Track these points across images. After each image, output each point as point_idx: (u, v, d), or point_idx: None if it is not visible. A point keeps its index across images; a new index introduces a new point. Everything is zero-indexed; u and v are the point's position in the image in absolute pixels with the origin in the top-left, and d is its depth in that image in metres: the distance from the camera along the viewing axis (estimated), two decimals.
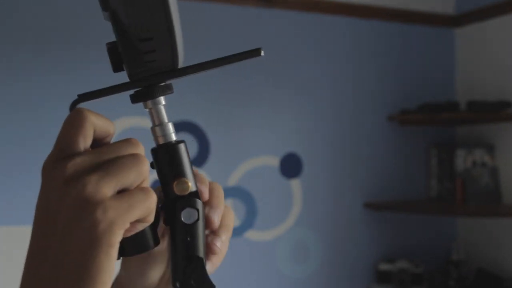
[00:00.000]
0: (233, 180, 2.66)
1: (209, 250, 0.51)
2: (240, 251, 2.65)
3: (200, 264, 0.49)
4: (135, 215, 0.41)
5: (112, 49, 0.46)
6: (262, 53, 0.46)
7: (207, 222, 0.51)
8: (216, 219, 0.51)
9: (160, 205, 0.51)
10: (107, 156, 0.42)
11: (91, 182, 0.40)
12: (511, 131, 2.81)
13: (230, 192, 2.64)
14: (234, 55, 0.48)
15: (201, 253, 0.49)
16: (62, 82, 2.41)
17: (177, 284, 0.48)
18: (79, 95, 0.47)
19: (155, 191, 0.52)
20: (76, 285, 0.40)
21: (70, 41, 2.43)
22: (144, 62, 0.46)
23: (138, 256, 0.54)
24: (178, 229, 0.49)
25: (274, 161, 2.73)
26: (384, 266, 2.81)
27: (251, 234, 2.67)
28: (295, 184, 2.77)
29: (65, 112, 2.41)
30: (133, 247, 0.47)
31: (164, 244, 0.54)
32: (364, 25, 2.94)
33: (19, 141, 2.34)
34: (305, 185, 2.78)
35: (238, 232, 2.65)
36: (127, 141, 0.43)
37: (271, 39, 2.75)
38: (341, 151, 2.87)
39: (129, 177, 0.41)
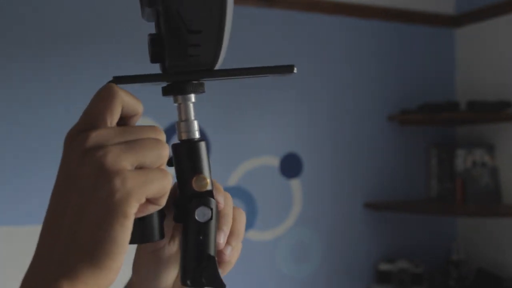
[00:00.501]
0: (233, 180, 2.66)
1: (219, 258, 0.51)
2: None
3: (212, 263, 0.49)
4: (151, 190, 0.41)
5: (155, 39, 0.46)
6: (295, 70, 0.47)
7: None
8: (226, 230, 0.52)
9: (173, 202, 0.51)
10: (131, 135, 0.42)
11: (112, 152, 0.40)
12: (511, 131, 2.81)
13: (230, 192, 2.63)
14: (267, 68, 0.50)
15: (213, 251, 0.49)
16: (63, 83, 2.41)
17: (188, 282, 0.48)
18: (114, 77, 0.48)
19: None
20: (90, 255, 0.39)
21: (70, 42, 2.43)
22: (187, 55, 0.46)
23: (150, 260, 0.53)
24: (191, 227, 0.49)
25: (274, 161, 2.73)
26: (384, 266, 2.81)
27: (251, 234, 2.67)
28: (295, 184, 2.77)
29: (65, 113, 2.40)
30: (139, 235, 0.47)
31: (175, 247, 0.54)
32: (364, 25, 2.94)
33: (19, 141, 2.34)
34: (305, 185, 2.78)
35: None
36: (151, 127, 0.44)
37: (271, 39, 2.75)
38: (341, 151, 2.87)
39: (149, 157, 0.42)
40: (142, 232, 0.48)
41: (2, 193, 2.31)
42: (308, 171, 2.79)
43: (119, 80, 0.48)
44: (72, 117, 2.34)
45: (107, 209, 0.39)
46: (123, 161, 0.40)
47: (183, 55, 0.46)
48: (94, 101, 0.43)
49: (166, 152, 0.43)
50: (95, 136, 0.41)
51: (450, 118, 2.72)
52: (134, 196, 0.40)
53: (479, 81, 3.00)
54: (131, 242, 0.46)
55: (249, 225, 2.67)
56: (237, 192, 2.66)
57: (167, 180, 0.42)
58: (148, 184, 0.40)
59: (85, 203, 0.39)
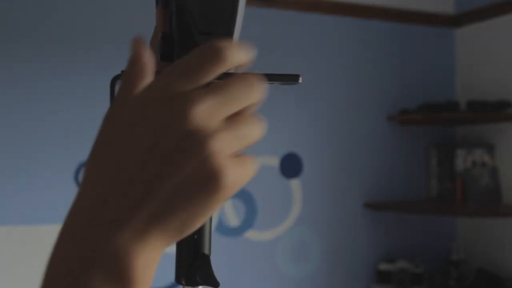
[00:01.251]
0: None
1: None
2: (240, 251, 2.65)
3: (206, 261, 0.49)
4: (243, 146, 0.37)
5: (166, 37, 0.46)
6: (300, 80, 0.47)
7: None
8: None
9: None
10: (230, 100, 0.37)
11: (217, 137, 0.36)
12: (511, 131, 2.81)
13: None
14: (273, 75, 0.49)
15: (207, 250, 0.49)
16: (63, 83, 2.41)
17: (182, 281, 0.49)
18: (123, 71, 0.48)
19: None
20: (177, 227, 0.36)
21: (70, 43, 2.43)
22: None
23: None
24: None
25: (274, 161, 2.73)
26: (384, 266, 2.81)
27: (251, 234, 2.67)
28: (295, 184, 2.77)
29: (64, 113, 2.41)
30: None
31: None
32: (364, 25, 2.94)
33: (19, 141, 2.34)
34: (305, 185, 2.78)
35: (238, 232, 2.65)
36: (249, 84, 0.38)
37: (271, 39, 2.75)
38: (341, 151, 2.87)
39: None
40: None
41: (2, 193, 2.31)
42: (308, 171, 2.79)
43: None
44: (72, 117, 2.35)
45: (208, 179, 0.35)
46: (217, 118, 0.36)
47: None
48: (199, 56, 0.37)
49: (259, 96, 0.39)
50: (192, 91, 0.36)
51: (450, 118, 2.72)
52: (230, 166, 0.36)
53: (479, 81, 3.00)
54: None
55: (249, 225, 2.67)
56: (237, 192, 2.66)
57: (259, 130, 0.38)
58: (242, 140, 0.37)
59: (181, 167, 0.35)
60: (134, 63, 0.39)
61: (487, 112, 2.66)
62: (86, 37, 2.46)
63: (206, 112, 0.35)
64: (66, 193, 2.40)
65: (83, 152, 2.43)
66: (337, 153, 2.86)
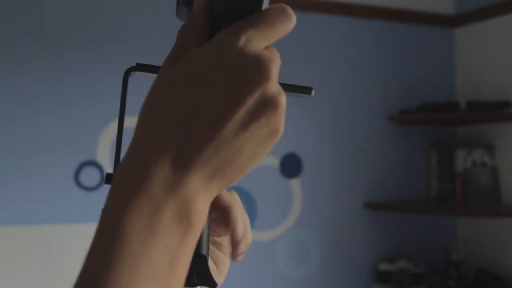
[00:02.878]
0: None
1: (234, 251, 0.54)
2: None
3: (203, 262, 0.49)
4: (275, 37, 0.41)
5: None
6: (313, 93, 0.47)
7: (232, 235, 0.54)
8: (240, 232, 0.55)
9: None
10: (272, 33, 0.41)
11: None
12: (511, 131, 2.81)
13: None
14: (287, 85, 0.50)
15: (204, 250, 0.50)
16: (63, 83, 2.41)
17: None
18: (137, 64, 0.49)
19: None
20: (236, 169, 0.39)
21: (71, 43, 2.43)
22: None
23: None
24: None
25: (274, 161, 2.73)
26: (384, 266, 2.81)
27: (251, 234, 2.67)
28: (295, 184, 2.77)
29: (64, 112, 2.41)
30: None
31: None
32: (364, 25, 2.94)
33: (20, 141, 2.34)
34: (305, 185, 2.78)
35: None
36: (284, 15, 0.41)
37: None
38: (341, 151, 2.87)
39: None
40: None
41: (2, 193, 2.31)
42: (308, 171, 2.79)
43: (141, 67, 0.48)
44: (72, 117, 2.35)
45: (273, 127, 0.39)
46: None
47: None
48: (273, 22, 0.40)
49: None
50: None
51: (450, 118, 2.72)
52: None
53: (479, 81, 3.00)
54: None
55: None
56: (237, 192, 2.66)
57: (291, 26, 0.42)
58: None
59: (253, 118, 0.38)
60: (197, 15, 0.42)
61: (487, 112, 2.66)
62: (87, 37, 2.46)
63: (274, 66, 0.39)
64: (66, 193, 2.40)
65: (83, 152, 2.43)
66: (337, 153, 2.86)
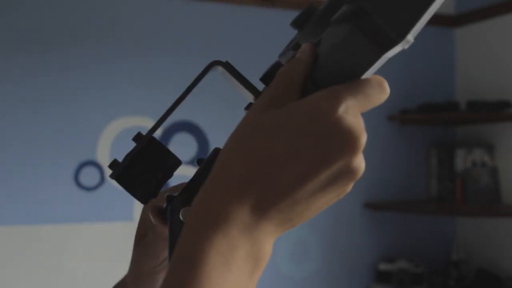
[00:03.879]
0: None
1: None
2: None
3: None
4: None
5: (277, 66, 0.48)
6: None
7: None
8: None
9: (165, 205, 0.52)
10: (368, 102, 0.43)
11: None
12: (511, 131, 2.82)
13: None
14: None
15: None
16: (63, 83, 2.41)
17: None
18: (227, 61, 0.50)
19: (167, 191, 0.55)
20: (299, 219, 0.42)
21: (71, 43, 2.43)
22: None
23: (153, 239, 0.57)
24: (175, 226, 0.50)
25: None
26: (384, 266, 2.81)
27: None
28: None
29: (64, 113, 2.41)
30: (130, 182, 0.50)
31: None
32: None
33: (20, 141, 2.34)
34: None
35: None
36: (381, 88, 0.43)
37: (271, 39, 2.75)
38: None
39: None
40: (137, 181, 0.50)
41: (2, 193, 2.31)
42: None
43: (228, 66, 0.50)
44: (72, 117, 2.35)
45: (342, 192, 0.42)
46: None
47: None
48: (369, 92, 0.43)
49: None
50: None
51: (450, 118, 2.72)
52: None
53: (479, 81, 3.00)
54: (118, 178, 0.50)
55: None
56: None
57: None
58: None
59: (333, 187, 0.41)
60: (301, 62, 0.43)
61: (487, 112, 2.66)
62: (87, 37, 2.46)
63: (364, 139, 0.41)
64: (66, 193, 2.40)
65: (83, 152, 2.43)
66: None
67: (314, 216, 2.80)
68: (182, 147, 2.58)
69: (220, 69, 0.51)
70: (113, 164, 0.50)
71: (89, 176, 2.44)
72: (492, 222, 2.88)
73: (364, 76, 0.43)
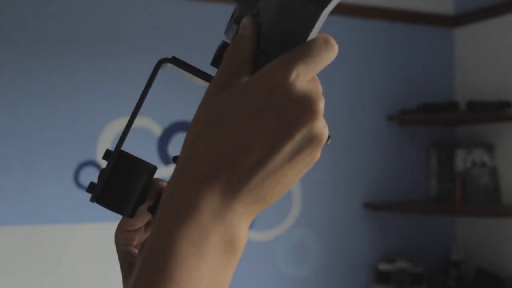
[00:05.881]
0: None
1: None
2: None
3: None
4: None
5: (224, 46, 0.48)
6: (329, 142, 0.49)
7: None
8: None
9: (157, 191, 0.52)
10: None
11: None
12: (511, 131, 2.81)
13: None
14: None
15: None
16: (62, 84, 2.41)
17: None
18: (173, 57, 0.50)
19: (154, 182, 0.54)
20: (275, 194, 0.41)
21: (71, 43, 2.43)
22: None
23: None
24: None
25: None
26: (383, 266, 2.81)
27: (251, 234, 2.67)
28: (295, 184, 2.77)
29: (64, 113, 2.41)
30: (112, 199, 0.50)
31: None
32: (364, 25, 2.95)
33: (20, 141, 2.34)
34: (305, 185, 2.79)
35: None
36: (328, 46, 0.42)
37: None
38: (341, 151, 2.87)
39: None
40: (118, 198, 0.49)
41: (2, 193, 2.31)
42: (307, 171, 2.79)
43: (176, 61, 0.50)
44: (72, 117, 2.35)
45: (313, 154, 0.41)
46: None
47: None
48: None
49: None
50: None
51: (450, 118, 2.72)
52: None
53: (478, 81, 3.00)
54: (98, 201, 0.49)
55: (249, 225, 2.67)
56: None
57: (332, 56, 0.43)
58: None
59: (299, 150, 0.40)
60: (245, 39, 0.43)
61: (487, 112, 2.66)
62: (87, 37, 2.46)
63: (321, 103, 0.40)
64: (66, 193, 2.40)
65: (83, 152, 2.43)
66: (337, 153, 2.86)
67: (314, 216, 2.80)
68: None
69: (169, 65, 0.51)
70: (91, 187, 0.50)
71: (89, 176, 2.44)
72: (492, 222, 2.88)
73: (310, 37, 0.42)
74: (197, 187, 0.39)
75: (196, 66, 2.60)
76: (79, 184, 2.42)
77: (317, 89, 0.41)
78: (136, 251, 0.55)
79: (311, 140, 0.40)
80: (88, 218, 2.43)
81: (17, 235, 2.32)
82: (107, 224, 2.46)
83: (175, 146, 2.58)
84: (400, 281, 2.77)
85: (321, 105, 0.40)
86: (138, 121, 2.53)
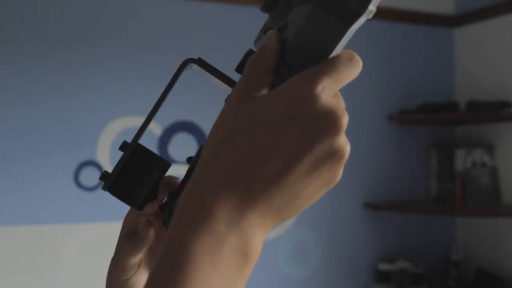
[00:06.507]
0: None
1: None
2: None
3: None
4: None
5: (249, 54, 0.48)
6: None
7: None
8: None
9: (169, 191, 0.52)
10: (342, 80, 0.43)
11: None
12: (511, 131, 2.81)
13: None
14: None
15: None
16: (62, 83, 2.41)
17: None
18: (199, 58, 0.50)
19: (167, 179, 0.54)
20: (293, 210, 0.41)
21: (71, 43, 2.43)
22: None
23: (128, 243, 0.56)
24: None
25: None
26: (384, 266, 2.81)
27: None
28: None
29: (64, 112, 2.41)
30: (126, 191, 0.50)
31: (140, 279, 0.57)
32: (364, 25, 2.94)
33: (20, 141, 2.34)
34: None
35: None
36: (353, 63, 0.43)
37: None
38: None
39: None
40: (130, 189, 0.50)
41: (2, 193, 2.31)
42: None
43: (201, 63, 0.50)
44: (72, 117, 2.35)
45: (335, 173, 0.41)
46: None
47: None
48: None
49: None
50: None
51: (450, 118, 2.72)
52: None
53: (478, 81, 3.00)
54: (110, 189, 0.49)
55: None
56: None
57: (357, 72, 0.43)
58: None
59: (319, 166, 0.40)
60: (269, 49, 0.43)
61: (487, 112, 2.66)
62: (87, 37, 2.46)
63: (345, 119, 0.40)
64: (66, 193, 2.40)
65: (83, 152, 2.43)
66: None
67: (314, 216, 2.80)
68: (182, 147, 2.58)
69: (194, 66, 0.51)
70: (104, 176, 0.51)
71: (89, 176, 2.44)
72: (492, 222, 2.88)
73: (334, 53, 0.43)
74: (214, 194, 0.39)
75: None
76: (79, 184, 2.42)
77: (341, 104, 0.41)
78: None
79: (332, 155, 0.40)
80: (88, 218, 2.43)
81: (17, 235, 2.32)
82: (107, 224, 2.46)
83: (175, 146, 2.58)
84: (400, 281, 2.77)
85: (345, 121, 0.40)
86: (138, 121, 2.53)
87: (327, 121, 0.39)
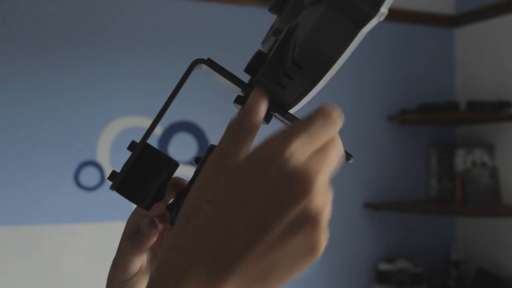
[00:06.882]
0: None
1: None
2: None
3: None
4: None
5: (260, 55, 0.48)
6: (351, 161, 0.48)
7: None
8: None
9: (177, 191, 0.53)
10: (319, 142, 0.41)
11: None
12: (511, 131, 2.82)
13: None
14: None
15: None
16: (62, 84, 2.41)
17: None
18: (209, 58, 0.50)
19: (175, 180, 0.54)
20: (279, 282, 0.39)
21: (71, 43, 2.43)
22: (277, 80, 0.47)
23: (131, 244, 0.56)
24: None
25: None
26: (384, 266, 2.81)
27: None
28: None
29: (64, 112, 2.41)
30: (133, 191, 0.50)
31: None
32: None
33: (19, 141, 2.34)
34: None
35: None
36: (329, 121, 0.41)
37: None
38: None
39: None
40: (138, 189, 0.50)
41: (2, 193, 2.31)
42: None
43: (211, 63, 0.50)
44: (72, 118, 2.35)
45: (311, 247, 0.39)
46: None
47: (274, 77, 0.47)
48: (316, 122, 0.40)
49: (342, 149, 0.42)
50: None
51: (450, 118, 2.73)
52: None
53: (478, 81, 3.00)
54: (118, 189, 0.49)
55: None
56: None
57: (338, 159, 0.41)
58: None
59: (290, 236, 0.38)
60: (251, 117, 0.42)
61: (487, 112, 2.66)
62: (87, 38, 2.46)
63: (323, 184, 0.39)
64: (66, 193, 2.40)
65: (83, 153, 2.43)
66: None
67: None
68: (182, 147, 2.58)
69: (204, 67, 0.51)
70: (112, 176, 0.50)
71: (89, 176, 2.44)
72: (492, 222, 2.88)
73: (345, 55, 0.42)
74: (184, 266, 0.37)
75: None
76: (79, 184, 2.42)
77: (314, 165, 0.39)
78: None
79: (306, 220, 0.38)
80: (88, 218, 2.43)
81: (17, 235, 2.32)
82: (107, 224, 2.46)
83: (175, 146, 2.58)
84: (400, 281, 2.77)
85: (318, 180, 0.38)
86: (138, 121, 2.53)
87: (293, 186, 0.37)
